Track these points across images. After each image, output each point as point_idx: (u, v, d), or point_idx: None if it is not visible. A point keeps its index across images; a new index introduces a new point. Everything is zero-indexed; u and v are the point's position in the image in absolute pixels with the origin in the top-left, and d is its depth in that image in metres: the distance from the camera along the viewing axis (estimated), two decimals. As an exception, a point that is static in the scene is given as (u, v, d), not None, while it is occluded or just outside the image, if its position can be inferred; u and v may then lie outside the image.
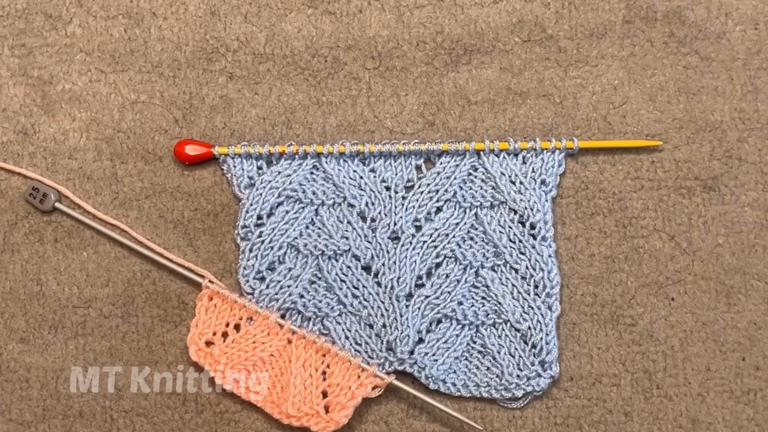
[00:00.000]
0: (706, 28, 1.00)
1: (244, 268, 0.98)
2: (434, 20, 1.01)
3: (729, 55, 1.00)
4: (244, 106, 1.01)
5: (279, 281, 0.97)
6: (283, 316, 0.97)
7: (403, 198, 0.98)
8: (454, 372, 0.96)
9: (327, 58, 1.01)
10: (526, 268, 0.96)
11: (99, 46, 1.02)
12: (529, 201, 0.97)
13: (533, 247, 0.96)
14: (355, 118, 1.00)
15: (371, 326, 0.97)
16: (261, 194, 0.98)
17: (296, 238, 0.98)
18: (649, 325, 0.97)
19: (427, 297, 0.96)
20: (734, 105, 0.99)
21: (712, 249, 0.97)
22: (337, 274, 0.97)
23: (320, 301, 0.97)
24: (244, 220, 0.98)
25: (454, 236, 0.97)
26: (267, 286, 0.97)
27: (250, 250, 0.98)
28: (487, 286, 0.97)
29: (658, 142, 0.98)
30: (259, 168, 0.99)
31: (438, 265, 0.97)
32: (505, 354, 0.96)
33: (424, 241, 0.97)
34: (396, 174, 0.99)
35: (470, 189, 0.98)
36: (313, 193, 0.98)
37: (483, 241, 0.97)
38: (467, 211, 0.98)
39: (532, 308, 0.96)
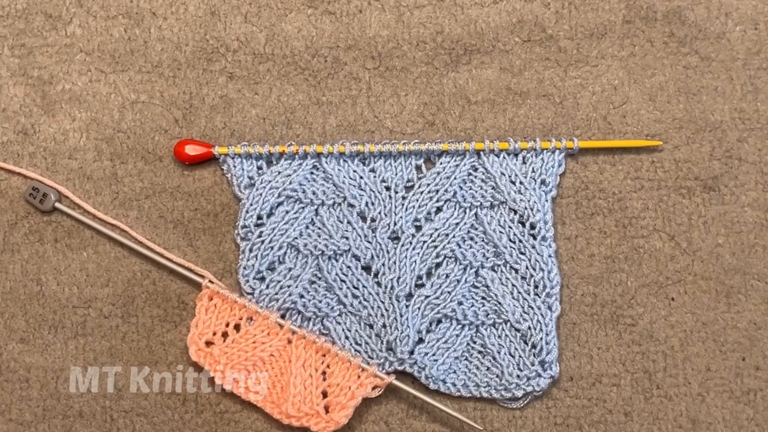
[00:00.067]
0: (706, 28, 1.00)
1: (244, 268, 0.98)
2: (434, 20, 1.01)
3: (729, 55, 1.00)
4: (244, 106, 1.01)
5: (279, 281, 0.97)
6: (283, 316, 0.97)
7: (403, 198, 0.98)
8: (454, 372, 0.96)
9: (327, 58, 1.01)
10: (526, 268, 0.96)
11: (99, 46, 1.02)
12: (529, 201, 0.97)
13: (533, 247, 0.96)
14: (355, 118, 1.00)
15: (371, 326, 0.97)
16: (261, 194, 0.98)
17: (296, 238, 0.98)
18: (649, 325, 0.97)
19: (427, 297, 0.96)
20: (734, 105, 0.99)
21: (712, 249, 0.97)
22: (337, 274, 0.97)
23: (320, 301, 0.97)
24: (244, 220, 0.98)
25: (454, 236, 0.97)
26: (267, 286, 0.97)
27: (250, 250, 0.98)
28: (487, 286, 0.97)
29: (658, 142, 0.98)
30: (259, 168, 0.99)
31: (438, 265, 0.97)
32: (505, 354, 0.96)
33: (424, 241, 0.97)
34: (396, 174, 0.99)
35: (470, 189, 0.98)
36: (313, 193, 0.98)
37: (483, 241, 0.97)
38: (467, 211, 0.98)
39: (532, 308, 0.96)
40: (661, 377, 0.96)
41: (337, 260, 0.98)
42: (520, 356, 0.96)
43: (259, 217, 0.98)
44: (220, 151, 0.99)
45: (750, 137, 0.99)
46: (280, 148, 0.98)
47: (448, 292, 0.96)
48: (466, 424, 0.95)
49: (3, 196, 1.00)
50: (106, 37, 1.02)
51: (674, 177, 0.98)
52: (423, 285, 0.97)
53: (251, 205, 0.98)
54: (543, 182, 0.98)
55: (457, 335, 0.97)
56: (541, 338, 0.95)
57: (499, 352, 0.96)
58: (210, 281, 0.97)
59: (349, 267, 0.97)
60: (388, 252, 0.97)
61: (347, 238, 0.97)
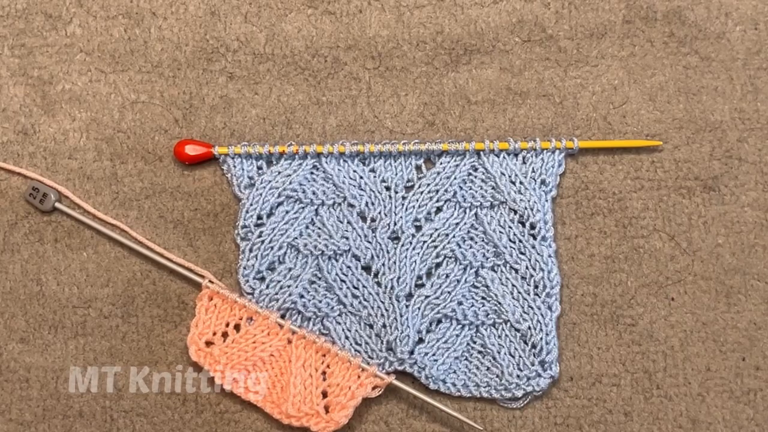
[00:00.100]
0: (706, 28, 1.00)
1: (244, 268, 0.98)
2: (434, 20, 1.01)
3: (729, 55, 1.00)
4: (244, 106, 1.01)
5: (279, 281, 0.97)
6: (283, 316, 0.97)
7: (403, 198, 0.98)
8: (454, 372, 0.96)
9: (327, 58, 1.01)
10: (526, 268, 0.96)
11: (99, 46, 1.02)
12: (529, 201, 0.97)
13: (533, 247, 0.96)
14: (355, 118, 1.00)
15: (371, 326, 0.97)
16: (261, 194, 0.98)
17: (296, 238, 0.98)
18: (649, 325, 0.97)
19: (427, 297, 0.96)
20: (734, 105, 0.99)
21: (712, 249, 0.97)
22: (337, 274, 0.97)
23: (320, 301, 0.97)
24: (244, 220, 0.98)
25: (454, 236, 0.97)
26: (267, 286, 0.97)
27: (250, 250, 0.98)
28: (487, 286, 0.97)
29: (658, 142, 0.98)
30: (259, 168, 0.99)
31: (438, 265, 0.97)
32: (505, 354, 0.96)
33: (424, 241, 0.97)
34: (396, 174, 0.99)
35: (470, 189, 0.98)
36: (313, 193, 0.98)
37: (483, 241, 0.97)
38: (467, 211, 0.98)
39: (532, 308, 0.96)
40: (661, 377, 0.96)
41: (337, 260, 0.98)
42: (520, 356, 0.96)
43: (259, 217, 0.98)
44: (220, 151, 0.99)
45: (750, 137, 0.99)
46: (280, 148, 0.98)
47: (448, 292, 0.96)
48: (466, 424, 0.95)
49: (3, 196, 1.00)
50: (106, 37, 1.02)
51: (674, 177, 0.98)
52: (423, 285, 0.97)
53: (251, 205, 0.98)
54: (543, 182, 0.98)
55: (457, 335, 0.97)
56: (541, 338, 0.95)
57: (499, 352, 0.96)
58: (210, 281, 0.97)
59: (349, 267, 0.97)
60: (388, 252, 0.97)
61: (347, 238, 0.97)
